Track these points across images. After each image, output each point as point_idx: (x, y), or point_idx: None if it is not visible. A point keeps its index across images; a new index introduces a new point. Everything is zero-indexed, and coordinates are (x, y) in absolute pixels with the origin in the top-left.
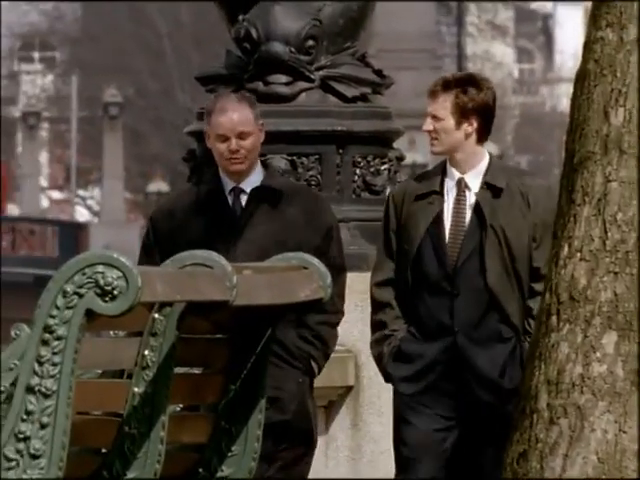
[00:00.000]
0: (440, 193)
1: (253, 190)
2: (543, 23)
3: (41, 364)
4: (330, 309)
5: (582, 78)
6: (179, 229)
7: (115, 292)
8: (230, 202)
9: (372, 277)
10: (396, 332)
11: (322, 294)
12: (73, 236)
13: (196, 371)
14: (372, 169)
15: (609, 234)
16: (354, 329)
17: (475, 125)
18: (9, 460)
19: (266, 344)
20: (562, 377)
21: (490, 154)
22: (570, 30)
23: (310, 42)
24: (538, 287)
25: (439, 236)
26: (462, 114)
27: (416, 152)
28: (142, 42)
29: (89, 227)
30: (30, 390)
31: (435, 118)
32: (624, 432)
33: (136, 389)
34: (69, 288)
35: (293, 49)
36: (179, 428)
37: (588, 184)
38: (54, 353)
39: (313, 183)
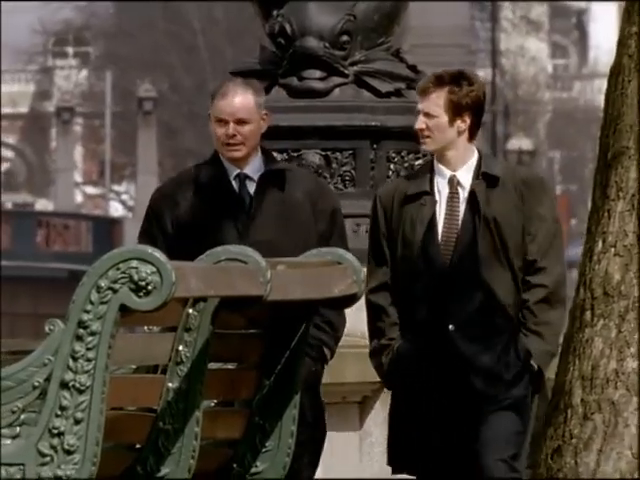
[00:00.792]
0: (431, 193)
1: (262, 176)
2: (577, 18)
3: (75, 359)
4: None
5: (616, 73)
6: (184, 214)
7: (149, 287)
8: (236, 188)
9: (365, 284)
10: (393, 341)
11: (356, 289)
12: (107, 231)
13: (230, 366)
14: (406, 164)
15: None
16: None
17: (468, 122)
18: (43, 455)
19: (300, 339)
20: (596, 372)
21: (479, 149)
22: (604, 25)
23: (344, 37)
24: (533, 280)
25: (433, 237)
26: (456, 111)
27: None
28: (176, 37)
29: (123, 222)
30: (64, 385)
31: (428, 115)
32: None
33: (170, 384)
34: (103, 283)
35: (327, 44)
36: (213, 424)
37: (622, 179)
38: (88, 348)
39: (347, 178)
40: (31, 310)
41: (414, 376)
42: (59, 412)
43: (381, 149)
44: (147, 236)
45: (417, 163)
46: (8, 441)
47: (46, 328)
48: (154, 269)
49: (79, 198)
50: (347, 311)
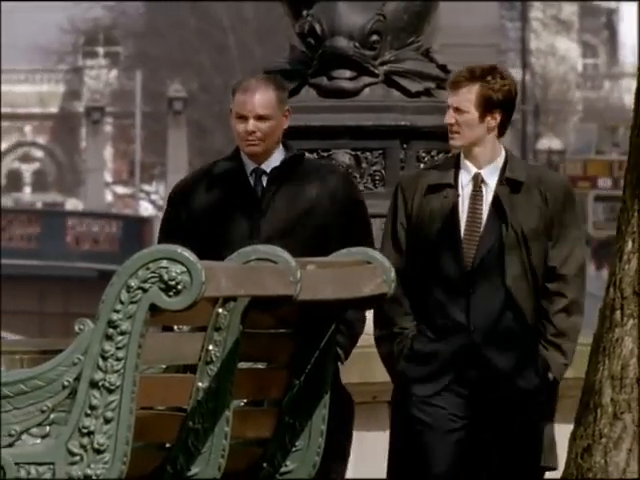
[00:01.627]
0: (454, 187)
1: (273, 170)
2: (607, 18)
3: (105, 359)
4: None
5: None
6: (200, 209)
7: (179, 287)
8: (252, 183)
9: None
10: (406, 330)
11: (386, 289)
12: (137, 231)
13: (260, 366)
14: None
15: None
16: None
17: (498, 118)
18: (73, 455)
19: (330, 339)
20: (626, 372)
21: (507, 149)
22: (634, 25)
23: (374, 37)
24: (553, 287)
25: (455, 232)
26: (487, 107)
27: None
28: (206, 37)
29: (153, 222)
30: (94, 385)
31: (458, 111)
32: None
33: (200, 384)
34: (133, 283)
35: (357, 44)
36: (243, 423)
37: None
38: (118, 348)
39: (377, 178)
40: (61, 310)
41: (432, 373)
42: (89, 411)
43: (411, 149)
44: (165, 231)
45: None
46: (38, 440)
47: (76, 327)
48: (184, 269)
49: (109, 198)
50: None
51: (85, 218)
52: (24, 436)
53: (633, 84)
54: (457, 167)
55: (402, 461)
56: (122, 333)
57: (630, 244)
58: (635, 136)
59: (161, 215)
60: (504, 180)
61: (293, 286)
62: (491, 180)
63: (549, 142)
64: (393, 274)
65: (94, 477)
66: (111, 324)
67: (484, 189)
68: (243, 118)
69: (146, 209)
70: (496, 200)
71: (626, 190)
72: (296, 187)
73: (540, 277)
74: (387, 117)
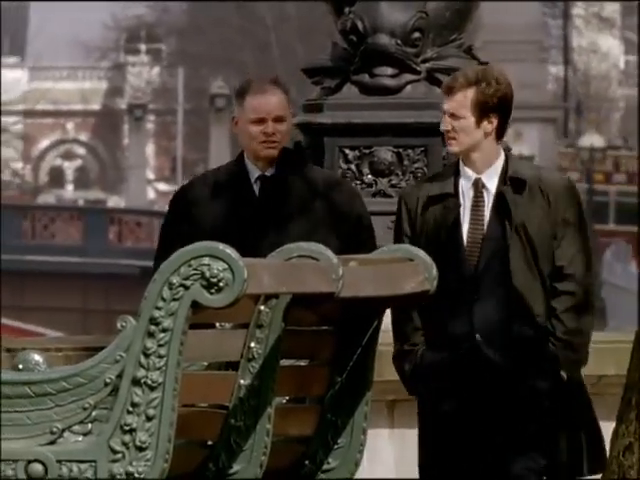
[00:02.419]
0: (455, 195)
1: (278, 178)
2: None
3: (147, 356)
4: None
5: None
6: (203, 215)
7: (221, 284)
8: (256, 191)
9: None
10: (416, 347)
11: (428, 286)
12: None
13: (302, 363)
14: None
15: None
16: None
17: (495, 123)
18: (115, 452)
19: (372, 336)
20: None
21: (506, 151)
22: None
23: (416, 34)
24: (561, 287)
25: (457, 241)
26: (483, 111)
27: (522, 144)
28: (248, 34)
29: None
30: (136, 382)
31: (453, 116)
32: None
33: (242, 381)
34: (175, 280)
35: (399, 41)
36: (285, 420)
37: None
38: (160, 345)
39: (419, 175)
40: (103, 306)
41: (439, 387)
42: (131, 409)
43: None
44: (166, 236)
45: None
46: (80, 438)
47: (118, 325)
48: (226, 266)
49: (151, 195)
50: None
51: (127, 215)
52: (66, 433)
53: None
54: (457, 174)
55: (431, 472)
56: (164, 330)
57: None
58: None
59: None
60: (507, 180)
61: (335, 283)
62: (491, 184)
63: (591, 139)
64: (435, 272)
65: (136, 475)
66: (153, 321)
67: (485, 194)
68: (261, 121)
69: None
70: (498, 200)
71: None
72: (302, 196)
73: (547, 277)
74: (429, 114)
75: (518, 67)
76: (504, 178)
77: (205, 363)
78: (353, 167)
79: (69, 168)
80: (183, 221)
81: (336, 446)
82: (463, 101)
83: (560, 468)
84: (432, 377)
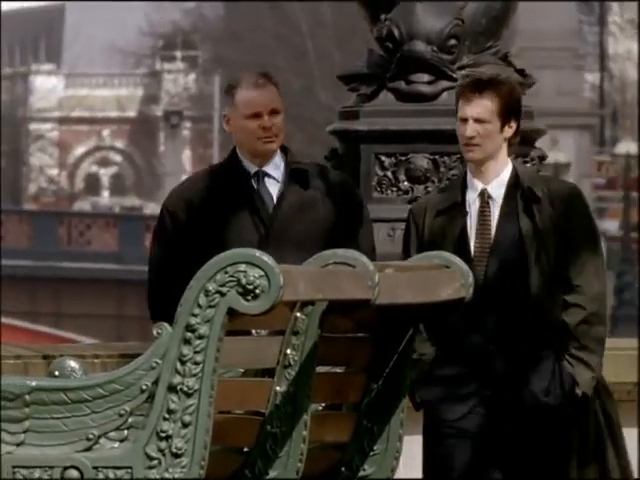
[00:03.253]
0: (462, 206)
1: (276, 172)
2: None
3: (183, 363)
4: None
5: None
6: (201, 215)
7: (257, 291)
8: (255, 186)
9: None
10: (424, 356)
11: (464, 293)
12: None
13: (338, 370)
14: None
15: None
16: None
17: (514, 128)
18: (151, 459)
19: (408, 343)
20: None
21: (512, 160)
22: None
23: (452, 41)
24: (571, 299)
25: (465, 252)
26: (507, 116)
27: (559, 151)
28: (284, 40)
29: None
30: (172, 389)
31: (479, 121)
32: None
33: (278, 388)
34: (211, 287)
35: (435, 48)
36: (321, 427)
37: None
38: (196, 352)
39: None
40: (139, 313)
41: (454, 399)
42: (167, 415)
43: None
44: (160, 241)
45: (526, 166)
46: (116, 444)
47: (154, 331)
48: (262, 273)
49: None
50: None
51: None
52: (102, 440)
53: None
54: (464, 186)
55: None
56: (200, 337)
57: None
58: None
59: None
60: (513, 188)
61: (371, 290)
62: (498, 194)
63: (627, 146)
64: (471, 279)
65: None
66: (189, 328)
67: (491, 204)
68: (256, 116)
69: None
70: (505, 210)
71: None
72: (303, 190)
73: (557, 288)
74: None
75: (554, 74)
76: (511, 187)
77: (241, 370)
78: (389, 174)
79: (105, 175)
80: (180, 225)
81: (372, 453)
82: (488, 105)
83: None
84: (443, 387)
